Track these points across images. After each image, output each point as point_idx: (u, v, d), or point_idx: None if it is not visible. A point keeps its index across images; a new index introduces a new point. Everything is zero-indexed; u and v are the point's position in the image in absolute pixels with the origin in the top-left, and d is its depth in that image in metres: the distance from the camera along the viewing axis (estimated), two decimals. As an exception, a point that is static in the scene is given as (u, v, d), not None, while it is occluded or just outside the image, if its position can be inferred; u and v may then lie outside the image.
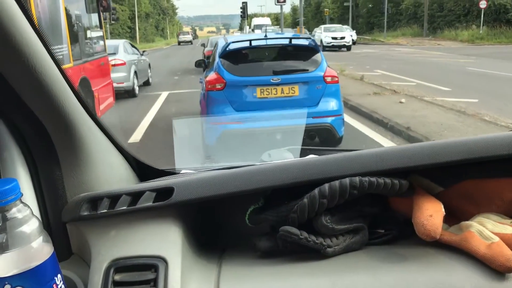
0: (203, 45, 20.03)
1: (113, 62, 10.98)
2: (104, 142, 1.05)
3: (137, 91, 12.26)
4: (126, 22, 55.88)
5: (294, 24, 71.23)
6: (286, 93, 5.39)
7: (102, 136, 1.04)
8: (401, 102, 9.48)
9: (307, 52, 5.82)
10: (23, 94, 0.81)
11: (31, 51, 0.74)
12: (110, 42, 13.06)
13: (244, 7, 30.73)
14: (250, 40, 5.84)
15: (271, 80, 5.41)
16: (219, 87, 5.34)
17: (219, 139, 3.77)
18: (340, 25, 33.60)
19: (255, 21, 59.39)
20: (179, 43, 62.94)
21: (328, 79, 5.59)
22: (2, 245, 0.74)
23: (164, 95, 11.84)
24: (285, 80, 5.41)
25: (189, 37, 65.69)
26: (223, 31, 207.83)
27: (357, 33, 46.73)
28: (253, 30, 50.35)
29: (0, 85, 0.77)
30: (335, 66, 15.89)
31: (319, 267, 0.89)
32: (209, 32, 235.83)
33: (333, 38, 29.23)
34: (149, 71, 14.41)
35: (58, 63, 0.83)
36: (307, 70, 5.65)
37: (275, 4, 18.10)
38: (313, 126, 5.24)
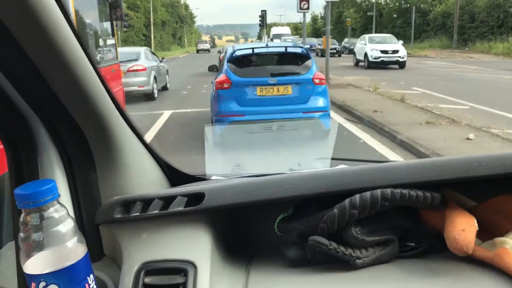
0: (219, 52, 22.28)
1: (135, 68, 12.25)
2: (138, 147, 1.07)
3: (156, 95, 13.21)
4: (141, 29, 55.01)
5: (314, 34, 69.81)
6: (281, 92, 6.50)
7: (136, 141, 1.06)
8: (468, 139, 6.90)
9: (300, 58, 6.96)
10: (65, 100, 0.84)
11: (74, 59, 0.77)
12: (132, 49, 14.95)
13: (263, 16, 29.63)
14: (253, 48, 7.13)
15: (269, 81, 6.48)
16: (226, 86, 6.48)
17: (226, 129, 4.46)
18: (389, 35, 27.30)
19: (274, 30, 57.79)
20: (197, 51, 64.92)
21: (317, 81, 6.63)
22: (39, 244, 0.77)
23: (165, 115, 10.22)
24: (281, 81, 6.52)
25: (206, 46, 68.22)
26: (242, 40, 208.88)
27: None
28: (272, 40, 49.04)
29: (44, 92, 0.80)
30: (364, 82, 15.07)
31: (347, 279, 0.88)
32: (227, 41, 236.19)
33: (383, 51, 22.49)
34: (167, 76, 15.44)
35: (98, 71, 0.86)
36: (299, 73, 6.75)
37: (298, 12, 16.29)
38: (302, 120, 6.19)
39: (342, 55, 35.81)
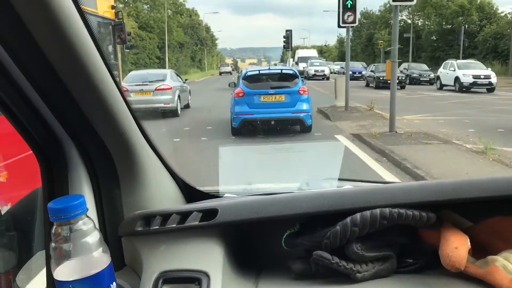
0: (240, 72, 25.24)
1: (162, 87, 13.95)
2: (158, 165, 1.16)
3: (179, 111, 14.67)
4: (155, 51, 51.27)
5: (341, 58, 62.95)
6: (277, 99, 9.89)
7: (157, 160, 1.14)
8: None
9: (291, 76, 10.51)
10: (94, 123, 0.92)
11: (104, 86, 0.85)
12: (159, 71, 17.59)
13: (288, 36, 27.95)
14: (259, 70, 11.01)
15: (269, 92, 9.90)
16: (241, 95, 9.91)
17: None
18: (474, 61, 26.55)
19: (300, 53, 52.72)
20: (220, 73, 67.51)
21: (301, 92, 9.96)
22: (68, 253, 0.83)
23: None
24: (277, 92, 9.92)
25: (228, 69, 70.74)
26: (264, 63, 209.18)
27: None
28: (297, 63, 44.86)
29: (77, 115, 0.89)
30: (423, 122, 10.72)
31: None
32: (250, 64, 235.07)
33: (475, 76, 22.92)
34: (189, 96, 17.04)
35: (123, 94, 0.94)
36: (289, 86, 10.08)
37: (339, 27, 12.35)
38: (291, 118, 9.95)
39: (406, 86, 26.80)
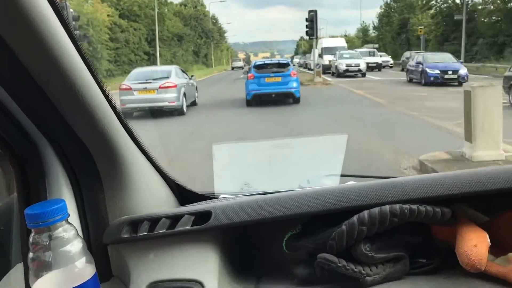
0: (251, 63, 28.94)
1: (166, 85, 13.41)
2: (146, 167, 1.09)
3: (185, 110, 14.14)
4: (142, 45, 40.97)
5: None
6: (276, 80, 14.47)
7: (144, 162, 1.08)
8: None
9: (285, 64, 15.86)
10: (72, 122, 0.85)
11: (81, 81, 0.79)
12: (163, 68, 16.96)
13: (312, 19, 20.31)
14: (264, 61, 16.33)
15: (271, 75, 14.59)
16: (252, 77, 14.70)
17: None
18: None
19: (324, 42, 40.15)
20: (232, 68, 68.54)
21: (292, 74, 14.75)
22: (48, 263, 0.77)
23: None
24: (276, 75, 14.57)
25: (240, 63, 71.30)
26: (278, 57, 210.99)
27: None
28: (320, 56, 32.95)
29: (52, 114, 0.82)
30: None
31: None
32: (263, 57, 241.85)
33: None
34: (196, 93, 16.42)
35: (105, 92, 0.87)
36: (283, 71, 14.90)
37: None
38: (286, 92, 14.43)
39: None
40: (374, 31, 68.69)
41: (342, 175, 1.40)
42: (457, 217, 0.94)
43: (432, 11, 46.99)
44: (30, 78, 0.74)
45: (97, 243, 0.99)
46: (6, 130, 0.86)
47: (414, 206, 0.88)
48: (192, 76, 16.72)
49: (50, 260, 0.78)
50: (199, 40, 64.96)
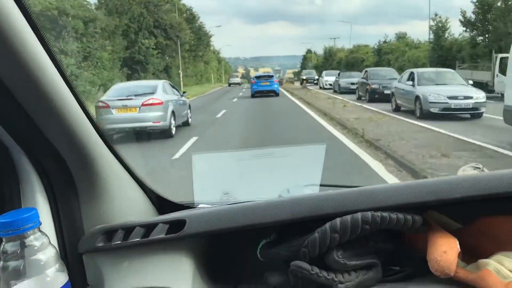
0: (252, 77, 39.45)
1: (150, 102, 11.25)
2: (123, 176, 1.08)
3: (173, 131, 11.91)
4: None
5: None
6: (266, 84, 29.24)
7: (121, 170, 1.07)
8: None
9: (271, 76, 31.60)
10: (46, 130, 0.85)
11: (55, 89, 0.78)
12: (148, 83, 14.32)
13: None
14: (260, 74, 33.14)
15: (263, 80, 29.83)
16: (254, 82, 30.24)
17: (252, 94, 28.37)
18: None
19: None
20: (229, 84, 63.09)
21: (275, 81, 30.24)
22: (19, 272, 0.76)
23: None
24: (266, 80, 29.72)
25: (237, 80, 66.99)
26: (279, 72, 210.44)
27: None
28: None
29: (25, 122, 0.81)
30: None
31: None
32: (264, 72, 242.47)
33: None
34: (188, 111, 14.23)
35: (80, 101, 0.87)
36: (270, 79, 30.11)
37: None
38: (271, 90, 29.04)
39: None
40: (467, 30, 42.10)
41: (321, 185, 1.41)
42: (429, 224, 0.95)
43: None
44: (3, 86, 0.74)
45: (72, 252, 0.98)
46: None
47: (386, 214, 0.89)
48: (184, 92, 14.78)
49: (20, 268, 0.77)
50: (146, 40, 40.96)
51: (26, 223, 0.77)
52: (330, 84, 35.10)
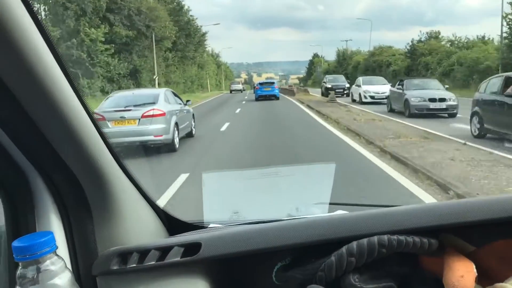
0: (255, 83, 43.69)
1: (151, 113, 10.03)
2: (135, 196, 1.08)
3: (177, 145, 10.63)
4: None
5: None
6: (268, 89, 34.27)
7: (134, 191, 1.07)
8: None
9: (272, 82, 36.97)
10: (62, 153, 0.85)
11: (71, 110, 0.78)
12: (149, 91, 13.06)
13: None
14: (263, 81, 38.38)
15: (265, 87, 34.90)
16: (257, 88, 35.22)
17: (256, 98, 33.36)
18: None
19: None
20: (231, 91, 59.62)
21: (276, 87, 35.17)
22: None
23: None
24: (268, 86, 34.99)
25: (239, 86, 63.16)
26: (278, 77, 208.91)
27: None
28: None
29: (41, 144, 0.82)
30: None
31: None
32: (267, 78, 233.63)
33: None
34: (192, 122, 13.00)
35: (95, 122, 0.87)
36: (272, 85, 35.30)
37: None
38: (272, 94, 33.59)
39: None
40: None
41: (331, 203, 1.41)
42: (445, 247, 0.95)
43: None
44: (20, 107, 0.74)
45: (86, 275, 0.97)
46: None
47: (402, 237, 0.89)
48: (187, 101, 13.27)
49: (37, 293, 0.77)
50: (93, 30, 28.56)
51: (43, 247, 0.77)
52: (372, 97, 23.72)
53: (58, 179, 0.92)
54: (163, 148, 10.21)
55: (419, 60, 45.09)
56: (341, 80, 37.38)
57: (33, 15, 0.67)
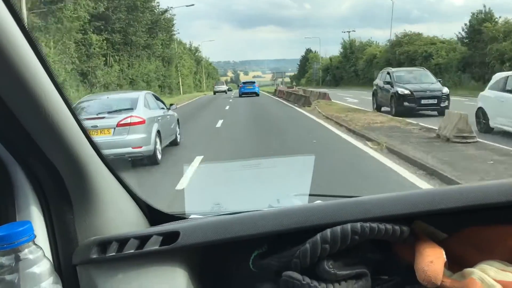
0: (240, 83, 51.10)
1: (128, 120, 8.53)
2: (116, 187, 1.09)
3: (159, 157, 9.18)
4: None
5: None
6: (250, 87, 45.37)
7: (114, 182, 1.08)
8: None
9: (253, 82, 49.23)
10: (41, 143, 0.85)
11: (50, 102, 0.79)
12: (127, 95, 10.71)
13: None
14: (246, 81, 51.68)
15: (248, 85, 46.63)
16: (241, 86, 47.23)
17: (240, 94, 43.74)
18: None
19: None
20: (215, 93, 56.20)
21: (256, 85, 46.86)
22: (14, 286, 0.77)
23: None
24: (249, 85, 46.61)
25: (223, 87, 59.51)
26: (269, 75, 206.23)
27: None
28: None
29: (20, 135, 0.82)
30: None
31: None
32: (254, 76, 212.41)
33: None
34: (177, 128, 11.51)
35: (76, 115, 0.88)
36: (253, 83, 47.48)
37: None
38: (253, 92, 44.29)
39: None
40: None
41: (310, 195, 1.43)
42: (417, 235, 0.98)
43: None
44: None
45: (66, 264, 0.98)
46: None
47: (374, 224, 0.91)
48: (171, 105, 11.57)
49: (16, 282, 0.77)
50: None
51: (20, 236, 0.77)
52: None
53: (39, 170, 0.92)
54: (143, 160, 8.87)
55: (490, 48, 30.34)
56: (427, 80, 18.20)
57: (11, 8, 0.67)
